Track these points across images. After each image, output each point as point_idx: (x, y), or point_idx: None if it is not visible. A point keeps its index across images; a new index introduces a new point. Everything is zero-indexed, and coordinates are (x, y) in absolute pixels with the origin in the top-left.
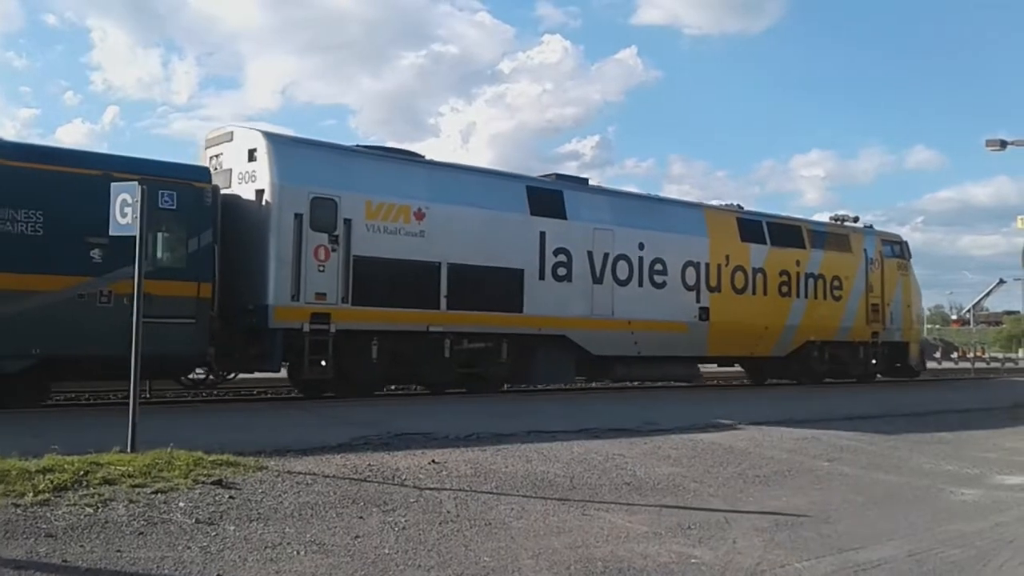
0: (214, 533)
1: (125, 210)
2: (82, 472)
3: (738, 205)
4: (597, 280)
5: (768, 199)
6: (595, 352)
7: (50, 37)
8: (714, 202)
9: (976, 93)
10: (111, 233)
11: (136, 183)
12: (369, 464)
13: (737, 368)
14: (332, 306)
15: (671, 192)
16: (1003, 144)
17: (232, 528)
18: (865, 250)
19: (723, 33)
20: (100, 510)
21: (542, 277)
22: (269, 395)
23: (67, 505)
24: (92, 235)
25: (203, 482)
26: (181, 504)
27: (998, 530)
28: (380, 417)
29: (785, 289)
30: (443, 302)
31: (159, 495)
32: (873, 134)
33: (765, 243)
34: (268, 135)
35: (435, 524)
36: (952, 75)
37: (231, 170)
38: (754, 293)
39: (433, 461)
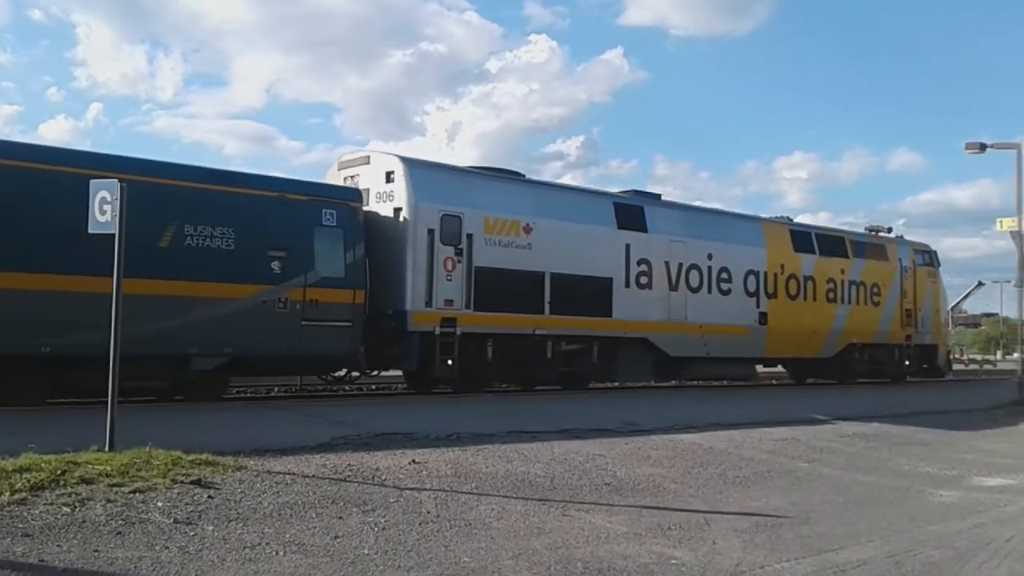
0: (192, 533)
1: (104, 207)
2: (59, 471)
3: (787, 218)
4: (673, 287)
5: (751, 200)
6: (671, 353)
7: (35, 32)
8: (764, 215)
9: (960, 95)
10: (89, 231)
11: (116, 180)
12: (349, 464)
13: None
14: (458, 311)
15: (655, 192)
16: (983, 147)
17: (211, 528)
18: (900, 259)
19: (709, 34)
20: (77, 509)
21: (627, 285)
22: (248, 395)
23: (44, 504)
24: (272, 248)
25: (182, 482)
26: (159, 504)
27: (976, 531)
28: (360, 417)
29: (832, 295)
30: (547, 307)
31: (137, 495)
32: (856, 136)
33: (814, 253)
34: (405, 160)
35: (415, 524)
36: (937, 77)
37: (368, 190)
38: (805, 299)
39: (413, 461)
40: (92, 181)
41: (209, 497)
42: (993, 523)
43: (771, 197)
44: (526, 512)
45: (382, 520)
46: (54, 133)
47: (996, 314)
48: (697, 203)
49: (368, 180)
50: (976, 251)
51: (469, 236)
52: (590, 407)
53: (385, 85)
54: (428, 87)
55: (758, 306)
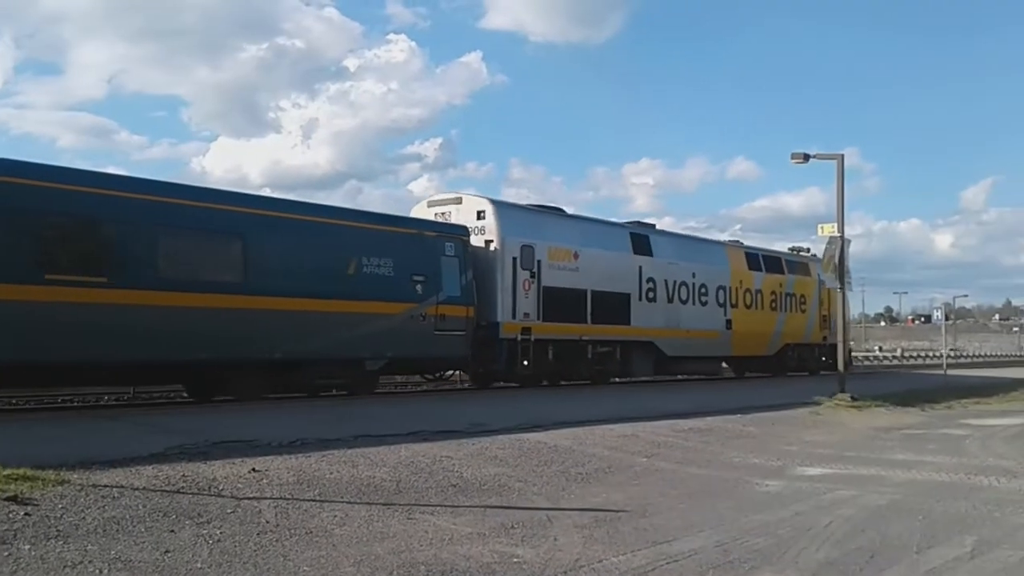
0: (7, 553)
1: None
2: None
3: (738, 241)
4: (670, 301)
5: (601, 205)
6: (669, 353)
7: None
8: (724, 238)
9: (796, 107)
10: None
11: None
12: (183, 475)
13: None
14: (533, 322)
15: (509, 196)
16: (806, 157)
17: (27, 547)
18: (818, 274)
19: (567, 41)
20: None
21: (640, 299)
22: (76, 403)
23: None
24: (415, 274)
25: None
26: None
27: (798, 519)
28: (200, 425)
29: (774, 305)
30: (589, 318)
31: None
32: (699, 145)
33: (762, 270)
34: (494, 201)
35: (252, 535)
36: (774, 90)
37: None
38: (757, 308)
39: (253, 469)
40: None
41: (26, 514)
42: (813, 510)
43: (620, 202)
44: (370, 517)
45: (217, 532)
46: None
47: None
48: (668, 228)
49: (459, 217)
50: None
51: (539, 262)
52: (438, 409)
53: (237, 79)
54: (284, 83)
55: (725, 314)
